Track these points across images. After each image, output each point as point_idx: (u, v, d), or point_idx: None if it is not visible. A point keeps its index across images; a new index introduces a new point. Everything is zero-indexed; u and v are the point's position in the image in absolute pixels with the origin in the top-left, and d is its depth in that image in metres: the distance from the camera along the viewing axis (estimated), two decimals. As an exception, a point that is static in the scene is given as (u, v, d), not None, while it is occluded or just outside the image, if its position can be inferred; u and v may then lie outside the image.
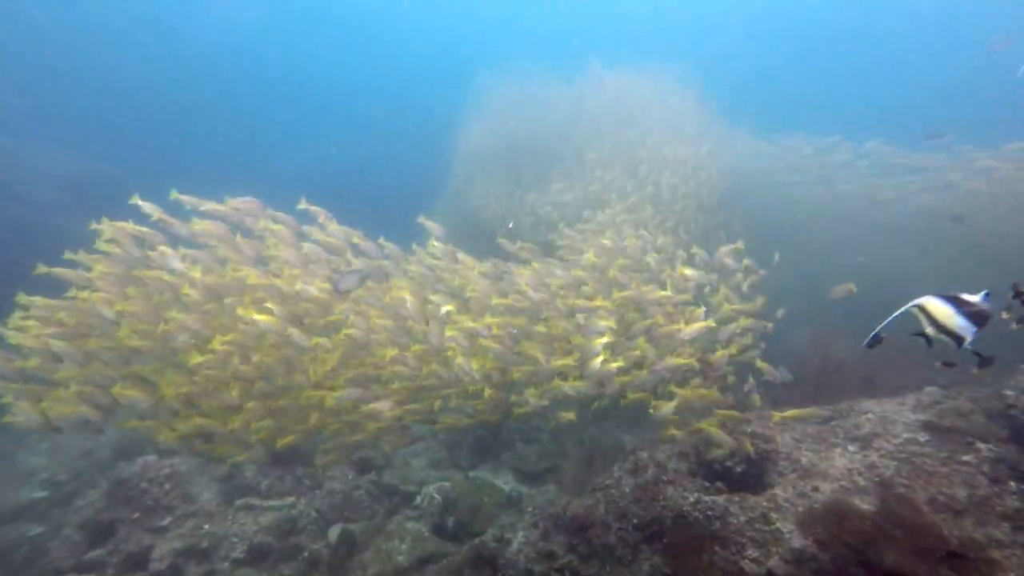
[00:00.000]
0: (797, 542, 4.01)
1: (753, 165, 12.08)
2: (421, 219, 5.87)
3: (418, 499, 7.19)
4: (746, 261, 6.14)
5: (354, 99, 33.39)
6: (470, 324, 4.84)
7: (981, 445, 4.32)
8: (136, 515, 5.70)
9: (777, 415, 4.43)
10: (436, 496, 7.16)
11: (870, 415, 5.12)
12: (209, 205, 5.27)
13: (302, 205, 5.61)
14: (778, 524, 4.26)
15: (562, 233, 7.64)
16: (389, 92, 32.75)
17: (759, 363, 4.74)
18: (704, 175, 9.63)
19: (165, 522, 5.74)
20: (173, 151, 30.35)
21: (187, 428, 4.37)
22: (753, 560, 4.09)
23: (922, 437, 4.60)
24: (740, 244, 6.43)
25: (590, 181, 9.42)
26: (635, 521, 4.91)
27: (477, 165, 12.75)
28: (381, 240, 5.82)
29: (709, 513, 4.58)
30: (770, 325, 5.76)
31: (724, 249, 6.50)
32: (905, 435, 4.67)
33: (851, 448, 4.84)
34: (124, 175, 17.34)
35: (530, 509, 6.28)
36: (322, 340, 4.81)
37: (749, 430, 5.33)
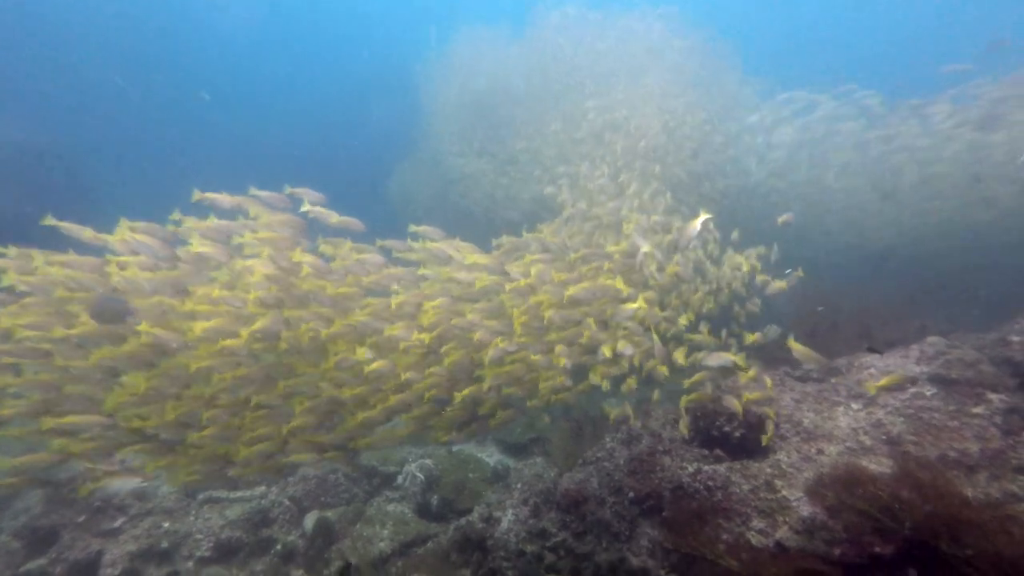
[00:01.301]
0: (806, 510, 3.76)
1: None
2: (412, 227, 5.27)
3: (399, 479, 6.82)
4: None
5: (313, 76, 30.97)
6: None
7: (992, 396, 4.10)
8: (82, 518, 5.13)
9: (872, 386, 4.11)
10: (418, 474, 6.80)
11: (872, 370, 4.87)
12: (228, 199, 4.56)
13: (306, 207, 4.94)
14: (784, 492, 4.00)
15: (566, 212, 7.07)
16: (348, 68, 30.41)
17: (796, 346, 4.30)
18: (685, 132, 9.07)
19: (117, 523, 5.20)
20: (122, 127, 27.97)
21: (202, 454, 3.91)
22: (760, 531, 3.83)
23: (928, 390, 4.36)
24: (708, 215, 6.04)
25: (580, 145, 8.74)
26: (631, 495, 4.62)
27: (448, 133, 11.92)
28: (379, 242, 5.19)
29: (710, 483, 4.30)
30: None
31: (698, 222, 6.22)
32: (911, 389, 4.42)
33: (854, 406, 4.59)
34: (64, 148, 15.71)
35: (518, 485, 5.96)
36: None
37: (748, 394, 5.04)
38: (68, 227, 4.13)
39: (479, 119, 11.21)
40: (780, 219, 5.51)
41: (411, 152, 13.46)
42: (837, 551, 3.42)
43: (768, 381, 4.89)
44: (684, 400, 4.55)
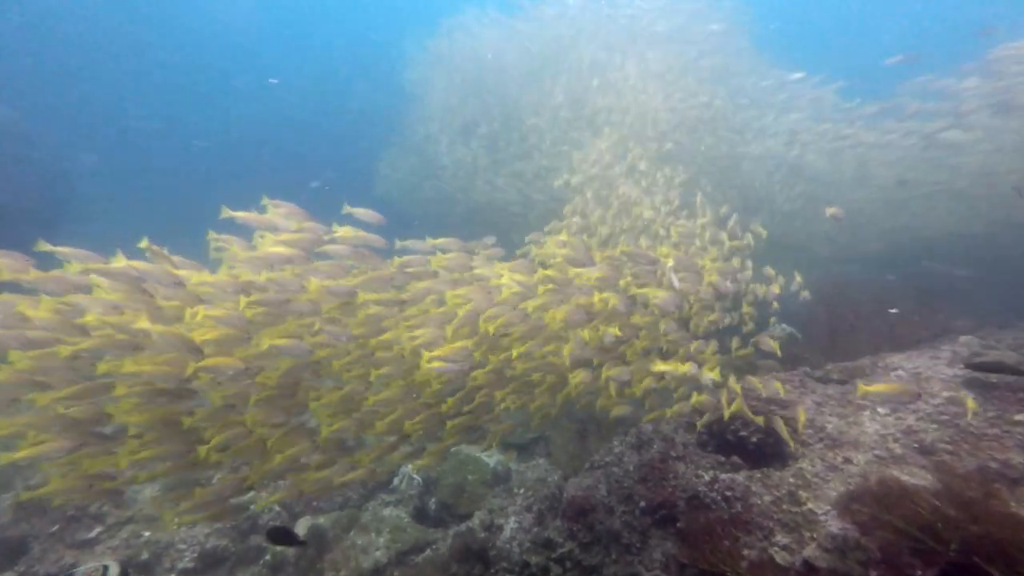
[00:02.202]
0: (835, 526, 3.47)
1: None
2: (430, 240, 4.77)
3: (395, 481, 6.53)
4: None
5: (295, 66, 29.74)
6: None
7: (1035, 403, 3.80)
8: (55, 528, 4.81)
9: (971, 403, 3.72)
10: (415, 476, 6.52)
11: (900, 372, 4.57)
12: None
13: (334, 230, 4.44)
14: (810, 505, 3.71)
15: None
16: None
17: (877, 388, 3.80)
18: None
19: (93, 534, 4.88)
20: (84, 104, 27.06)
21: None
22: (784, 548, 3.54)
23: (964, 395, 4.05)
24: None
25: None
26: (642, 504, 4.33)
27: (437, 119, 11.45)
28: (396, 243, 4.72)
29: (728, 493, 4.01)
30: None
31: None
32: (945, 394, 4.13)
33: (882, 410, 4.29)
34: (25, 122, 15.06)
35: (521, 490, 5.69)
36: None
37: (764, 395, 4.74)
38: (64, 252, 3.63)
39: (472, 103, 10.75)
40: (829, 211, 5.17)
41: (398, 139, 12.92)
42: (873, 573, 3.13)
43: (780, 386, 4.53)
44: (727, 413, 4.17)
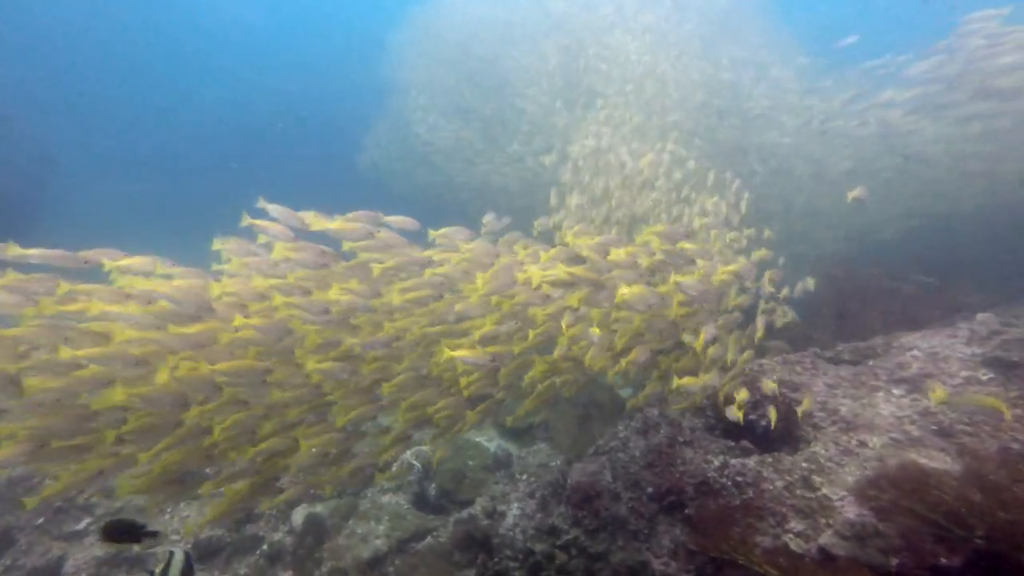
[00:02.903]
0: (852, 512, 3.34)
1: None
2: (432, 233, 4.49)
3: (394, 467, 6.39)
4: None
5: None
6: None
7: (1060, 382, 3.66)
8: (41, 520, 4.65)
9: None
10: (414, 462, 6.38)
11: (915, 352, 4.41)
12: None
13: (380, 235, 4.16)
14: (824, 490, 3.59)
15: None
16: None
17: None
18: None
19: (81, 525, 4.72)
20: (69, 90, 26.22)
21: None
22: (799, 535, 3.42)
23: (984, 375, 3.93)
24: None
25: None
26: (650, 490, 4.20)
27: (421, 94, 11.00)
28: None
29: (739, 479, 3.88)
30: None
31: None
32: (964, 373, 3.99)
33: (896, 392, 4.15)
34: (10, 111, 14.56)
35: (523, 476, 5.56)
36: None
37: (775, 377, 4.60)
38: (35, 254, 3.26)
39: (459, 77, 10.32)
40: (851, 194, 4.96)
41: (383, 117, 12.41)
42: (894, 561, 3.01)
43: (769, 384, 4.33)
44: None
